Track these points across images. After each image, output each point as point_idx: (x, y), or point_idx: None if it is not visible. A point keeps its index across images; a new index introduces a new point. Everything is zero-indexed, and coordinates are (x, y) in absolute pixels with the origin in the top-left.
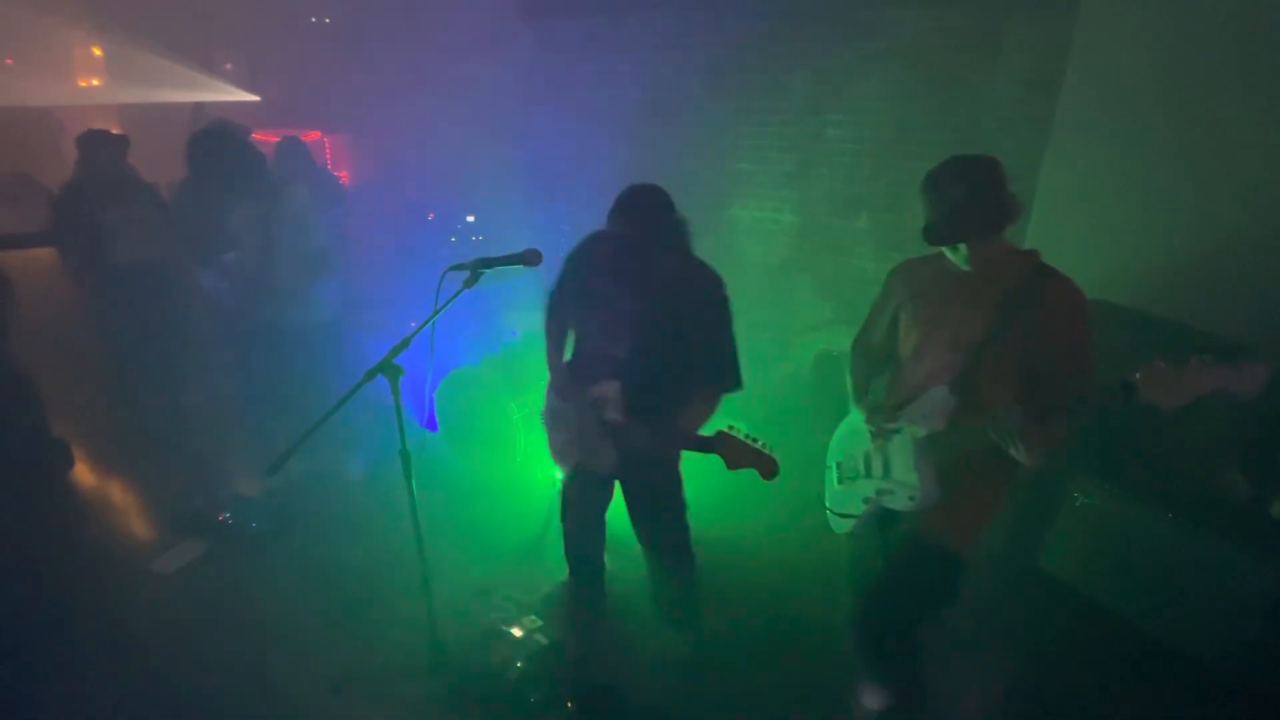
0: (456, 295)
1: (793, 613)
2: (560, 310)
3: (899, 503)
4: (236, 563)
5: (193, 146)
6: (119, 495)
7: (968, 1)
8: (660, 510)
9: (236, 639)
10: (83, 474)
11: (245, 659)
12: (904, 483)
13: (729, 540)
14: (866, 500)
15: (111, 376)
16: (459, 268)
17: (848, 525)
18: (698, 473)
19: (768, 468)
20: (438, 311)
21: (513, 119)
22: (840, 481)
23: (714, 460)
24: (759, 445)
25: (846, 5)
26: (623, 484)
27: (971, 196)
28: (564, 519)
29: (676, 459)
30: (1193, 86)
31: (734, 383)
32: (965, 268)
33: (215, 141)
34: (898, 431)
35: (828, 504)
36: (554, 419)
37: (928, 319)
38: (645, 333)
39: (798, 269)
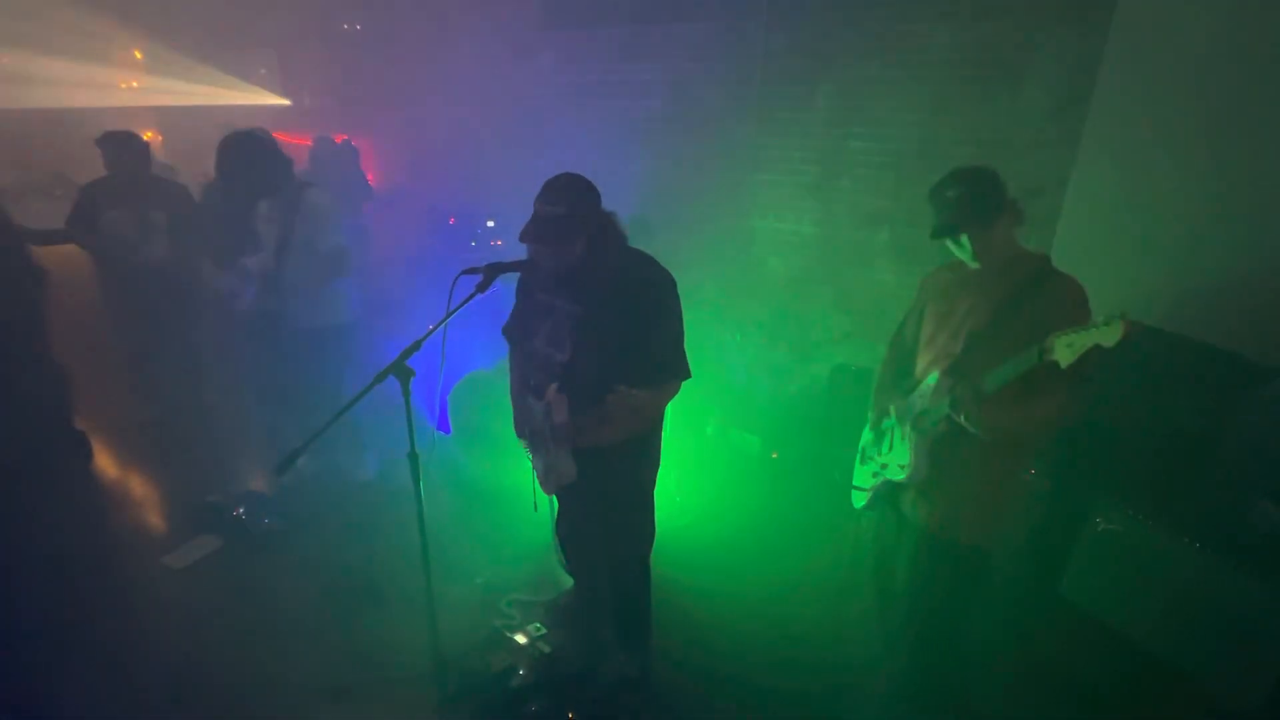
0: (468, 299)
1: (804, 622)
2: (513, 326)
3: (894, 474)
4: (246, 560)
5: (221, 150)
6: (136, 489)
7: (995, 15)
8: (616, 525)
9: (239, 638)
10: (100, 467)
11: (247, 658)
12: (898, 455)
13: (747, 548)
14: (875, 474)
15: (132, 372)
16: (472, 272)
17: (863, 499)
18: (715, 478)
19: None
20: (450, 314)
21: (534, 127)
22: (861, 461)
23: (730, 464)
24: None
25: (872, 18)
26: (586, 497)
27: (968, 191)
28: (557, 531)
29: (635, 476)
30: (1225, 102)
31: (682, 372)
32: (974, 264)
33: (243, 144)
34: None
35: (853, 482)
36: (529, 446)
37: (938, 314)
38: (588, 333)
39: (817, 281)
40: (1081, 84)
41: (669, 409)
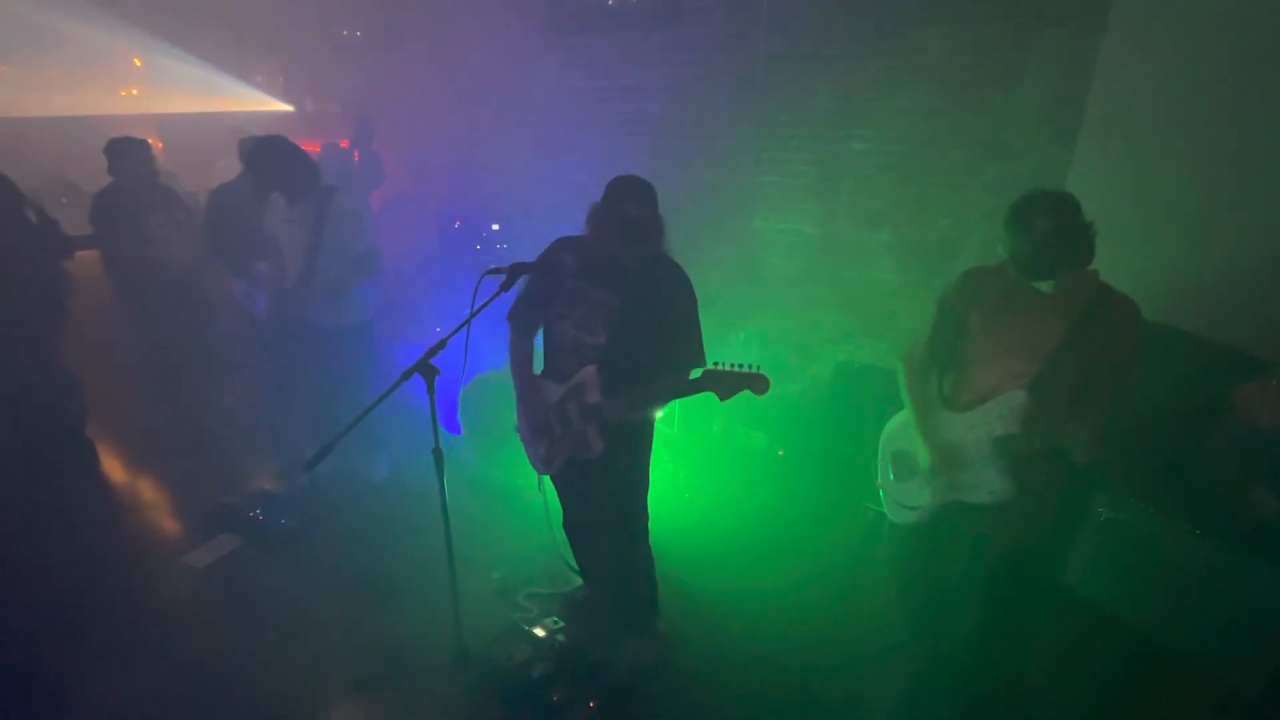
0: (494, 298)
1: (812, 610)
2: (529, 313)
3: (976, 497)
4: (265, 558)
5: (251, 151)
6: (155, 491)
7: (993, 18)
8: (616, 500)
9: (262, 634)
10: (121, 470)
11: (270, 654)
12: (981, 478)
13: (755, 542)
14: (937, 495)
15: (148, 376)
16: (496, 272)
17: (911, 517)
18: (723, 474)
19: (759, 385)
20: (475, 312)
21: (538, 131)
22: (898, 476)
23: (737, 461)
24: (746, 369)
25: (870, 21)
26: (589, 474)
27: (1066, 231)
28: (565, 526)
29: (638, 452)
30: (1219, 103)
31: (702, 361)
32: (1044, 289)
33: (271, 146)
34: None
35: (884, 497)
36: (533, 428)
37: (1000, 328)
38: (626, 321)
39: (819, 281)
40: (1077, 85)
41: (677, 407)
